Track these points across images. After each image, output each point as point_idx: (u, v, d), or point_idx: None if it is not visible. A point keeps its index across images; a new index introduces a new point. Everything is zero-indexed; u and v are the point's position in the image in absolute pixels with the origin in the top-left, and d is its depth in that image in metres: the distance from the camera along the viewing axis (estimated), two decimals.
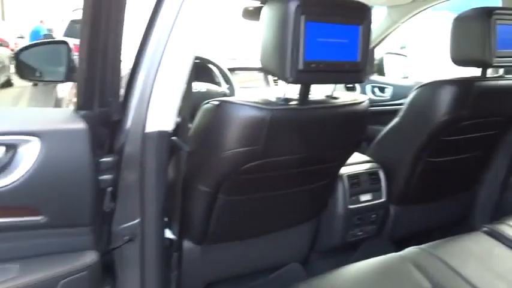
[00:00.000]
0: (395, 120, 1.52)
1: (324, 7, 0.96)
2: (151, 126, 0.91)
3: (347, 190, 1.43)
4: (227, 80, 2.07)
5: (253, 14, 1.65)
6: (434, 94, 1.39)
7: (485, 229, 1.21)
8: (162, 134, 0.92)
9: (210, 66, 2.12)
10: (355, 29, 1.00)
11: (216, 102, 1.01)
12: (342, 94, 1.14)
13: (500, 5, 1.87)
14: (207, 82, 1.95)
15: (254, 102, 0.99)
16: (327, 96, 1.12)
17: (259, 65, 1.05)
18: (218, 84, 2.08)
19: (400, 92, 2.33)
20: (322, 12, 0.95)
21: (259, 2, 1.80)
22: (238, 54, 2.72)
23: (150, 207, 0.94)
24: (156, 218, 0.95)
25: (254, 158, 1.03)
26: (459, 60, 1.43)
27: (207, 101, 1.05)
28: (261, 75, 2.52)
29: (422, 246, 1.16)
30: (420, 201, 1.60)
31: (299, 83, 1.02)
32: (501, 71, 1.49)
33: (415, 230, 1.66)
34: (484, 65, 1.41)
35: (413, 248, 1.17)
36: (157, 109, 0.91)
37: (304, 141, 1.09)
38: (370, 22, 1.02)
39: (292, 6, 0.90)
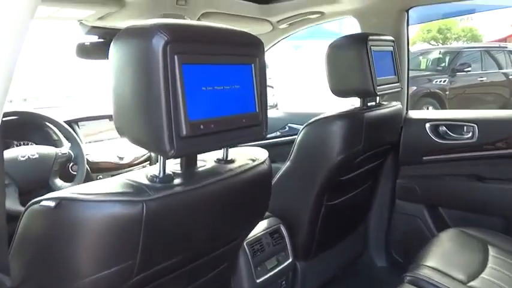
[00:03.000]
0: (287, 165, 1.32)
1: (203, 43, 0.66)
2: None
3: (250, 261, 1.15)
4: (68, 137, 1.56)
5: (90, 51, 1.41)
6: (326, 131, 1.25)
7: (408, 278, 1.09)
8: None
9: (42, 122, 1.59)
10: (247, 70, 0.74)
11: (52, 204, 0.61)
12: (236, 153, 0.86)
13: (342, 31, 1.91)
14: (41, 143, 1.44)
15: (116, 194, 0.62)
16: (219, 161, 0.82)
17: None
18: (57, 143, 1.57)
19: (270, 124, 2.21)
20: (202, 50, 0.65)
21: (97, 37, 1.44)
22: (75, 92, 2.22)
23: None
24: None
25: (126, 278, 0.66)
26: (340, 90, 1.33)
27: (35, 200, 0.64)
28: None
29: None
30: (325, 249, 1.44)
31: (184, 155, 0.71)
32: (378, 98, 1.44)
33: (322, 280, 1.49)
34: (367, 95, 1.33)
35: None
36: None
37: (197, 231, 0.76)
38: (264, 59, 0.78)
39: (159, 44, 0.58)
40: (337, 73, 1.30)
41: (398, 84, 1.41)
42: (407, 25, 1.64)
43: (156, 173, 0.67)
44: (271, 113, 2.36)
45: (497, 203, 1.49)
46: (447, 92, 6.96)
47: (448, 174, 1.59)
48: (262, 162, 0.85)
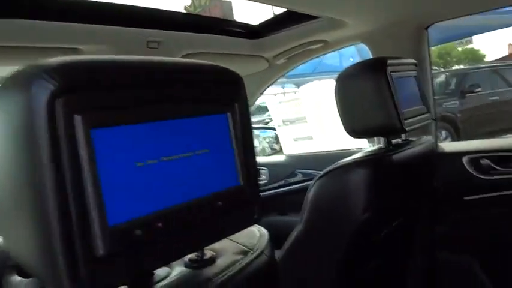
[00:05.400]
0: (298, 229, 1.04)
1: (130, 87, 0.38)
2: None
3: None
4: None
5: None
6: (347, 183, 0.98)
7: None
8: None
9: None
10: (219, 122, 0.46)
11: None
12: (219, 243, 0.57)
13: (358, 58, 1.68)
14: None
15: None
16: (192, 263, 0.51)
17: None
18: None
19: (278, 172, 1.95)
20: (128, 99, 0.37)
21: None
22: None
23: None
24: None
25: None
26: (357, 130, 1.07)
27: None
28: None
29: None
30: None
31: None
32: (403, 135, 1.18)
33: None
34: (393, 132, 1.07)
35: None
36: None
37: None
38: (246, 102, 0.52)
39: (40, 96, 0.32)
40: (352, 109, 1.04)
41: (428, 115, 1.15)
42: (429, 45, 1.41)
43: None
44: (274, 159, 2.10)
45: None
46: (459, 115, 6.74)
47: (498, 215, 1.30)
48: (260, 254, 0.57)
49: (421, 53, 1.38)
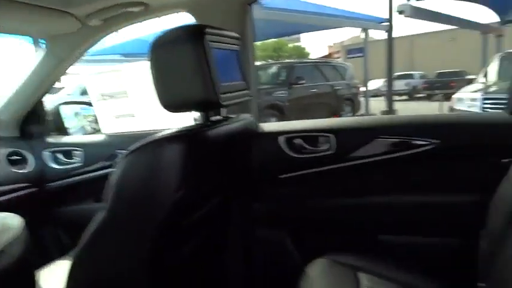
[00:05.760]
0: (101, 216, 0.88)
1: None
2: None
3: None
4: None
5: None
6: (158, 160, 0.87)
7: None
8: None
9: None
10: None
11: None
12: None
13: None
14: None
15: None
16: None
17: None
18: None
19: (95, 154, 1.71)
20: None
21: None
22: None
23: None
24: None
25: None
26: (173, 104, 0.96)
27: None
28: None
29: None
30: None
31: None
32: (223, 111, 1.13)
33: None
34: (209, 107, 1.00)
35: None
36: None
37: None
38: None
39: None
40: (167, 81, 0.92)
41: (247, 91, 1.13)
42: (252, 22, 1.39)
43: None
44: (91, 139, 1.85)
45: (362, 218, 1.34)
46: (287, 103, 7.46)
47: (308, 192, 1.39)
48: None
49: (245, 28, 1.36)
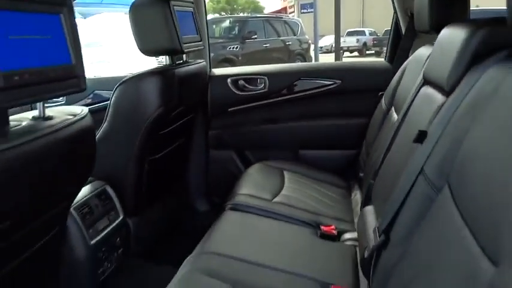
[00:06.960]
0: (104, 126, 1.31)
1: None
2: None
3: (80, 225, 1.13)
4: None
5: None
6: (142, 88, 1.29)
7: (229, 206, 1.28)
8: None
9: None
10: (55, 20, 0.73)
11: None
12: (54, 111, 0.84)
13: None
14: None
15: None
16: (36, 119, 0.78)
17: None
18: None
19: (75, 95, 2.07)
20: None
21: None
22: None
23: None
24: None
25: None
26: (149, 50, 1.39)
27: None
28: None
29: (192, 255, 1.05)
30: (153, 203, 1.51)
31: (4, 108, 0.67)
32: (184, 57, 1.56)
33: (154, 231, 1.57)
34: (175, 52, 1.42)
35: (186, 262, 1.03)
36: None
37: (18, 195, 0.72)
38: (72, 10, 0.78)
39: None
40: (144, 33, 1.34)
41: (201, 42, 1.55)
42: None
43: None
44: None
45: (287, 138, 1.84)
46: (240, 58, 7.74)
47: (249, 121, 1.86)
48: (83, 117, 0.85)
49: None
